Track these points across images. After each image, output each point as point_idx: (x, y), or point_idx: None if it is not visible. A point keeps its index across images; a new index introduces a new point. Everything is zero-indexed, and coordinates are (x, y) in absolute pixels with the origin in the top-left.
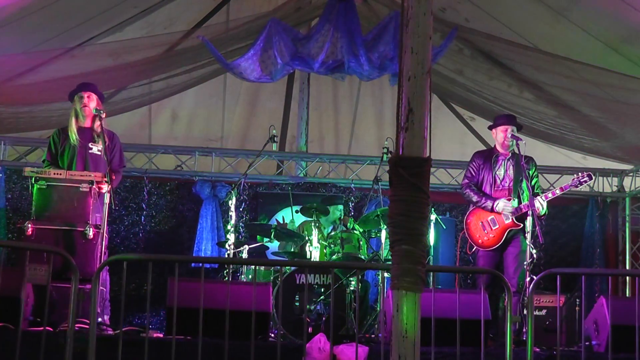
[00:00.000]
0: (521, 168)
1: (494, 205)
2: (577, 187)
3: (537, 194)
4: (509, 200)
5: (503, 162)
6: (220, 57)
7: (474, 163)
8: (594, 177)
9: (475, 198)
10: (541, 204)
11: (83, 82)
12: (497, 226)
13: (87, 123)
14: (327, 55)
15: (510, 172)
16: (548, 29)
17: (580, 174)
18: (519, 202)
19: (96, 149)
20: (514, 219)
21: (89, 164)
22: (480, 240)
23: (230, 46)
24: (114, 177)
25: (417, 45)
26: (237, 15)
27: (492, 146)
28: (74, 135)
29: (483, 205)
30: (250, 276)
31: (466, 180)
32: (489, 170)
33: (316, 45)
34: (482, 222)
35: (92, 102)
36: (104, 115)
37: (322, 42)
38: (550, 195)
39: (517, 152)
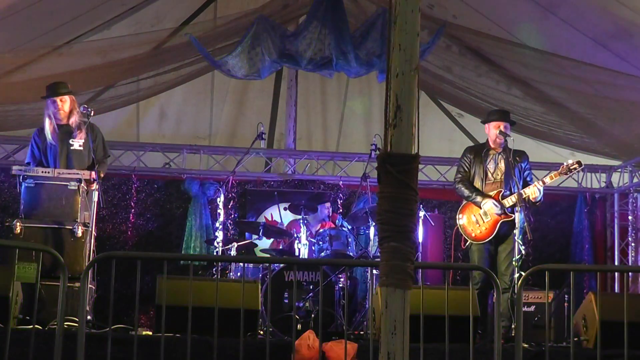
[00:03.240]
0: (512, 163)
1: (482, 204)
2: (567, 174)
3: (531, 183)
4: (499, 197)
5: (494, 156)
6: (207, 54)
7: (465, 158)
8: (583, 165)
9: (466, 193)
10: (538, 189)
11: (52, 84)
12: (489, 218)
13: (63, 120)
14: (314, 52)
15: (502, 165)
16: (536, 26)
17: (569, 161)
18: (511, 193)
19: (77, 144)
20: (506, 210)
21: (71, 160)
22: (473, 234)
23: (217, 43)
24: (102, 175)
25: (405, 42)
26: (225, 13)
27: (485, 141)
28: (49, 134)
29: (473, 200)
30: (239, 274)
31: (459, 176)
32: (480, 164)
33: (304, 42)
34: (474, 216)
35: (65, 103)
36: (92, 114)
37: (310, 39)
38: (547, 180)
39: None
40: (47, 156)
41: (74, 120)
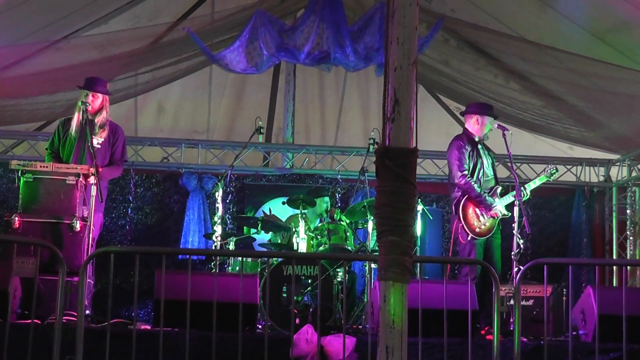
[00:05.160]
0: (493, 156)
1: (492, 206)
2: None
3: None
4: (497, 193)
5: (482, 151)
6: (205, 49)
7: (463, 150)
8: (558, 170)
9: (477, 191)
10: (525, 192)
11: (92, 78)
12: (490, 215)
13: (90, 116)
14: (312, 47)
15: (489, 159)
16: (534, 19)
17: (549, 165)
18: (504, 188)
19: (96, 142)
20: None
21: (85, 156)
22: (477, 229)
23: (215, 38)
24: (100, 170)
25: (403, 36)
26: (223, 7)
27: (465, 134)
28: (74, 126)
29: (483, 200)
30: (237, 268)
31: (465, 169)
32: (478, 158)
33: (302, 36)
34: (477, 211)
35: (96, 100)
36: (89, 108)
37: (308, 33)
38: (532, 185)
39: (505, 142)
40: (64, 147)
41: (100, 118)
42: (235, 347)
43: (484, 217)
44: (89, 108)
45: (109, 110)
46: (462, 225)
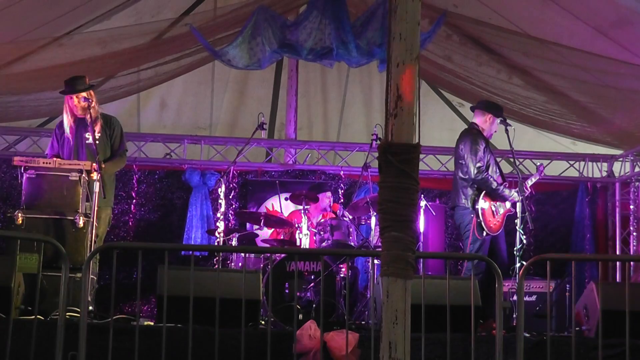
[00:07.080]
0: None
1: (510, 195)
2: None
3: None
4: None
5: (490, 148)
6: (208, 45)
7: (480, 146)
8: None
9: (495, 184)
10: (527, 188)
11: (69, 80)
12: (501, 211)
13: (81, 114)
14: (315, 42)
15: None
16: (537, 14)
17: (540, 163)
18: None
19: (92, 138)
20: (510, 205)
21: (85, 153)
22: (491, 225)
23: (218, 34)
24: (104, 166)
25: (405, 31)
26: (225, 3)
27: (476, 129)
28: (67, 127)
29: (502, 193)
30: (240, 264)
31: (481, 164)
32: (490, 155)
33: (304, 32)
34: (491, 208)
35: (80, 100)
36: (92, 104)
37: (310, 29)
38: (533, 179)
39: (507, 138)
40: (63, 149)
41: (91, 114)
42: (238, 343)
43: (497, 214)
44: (84, 104)
45: (97, 104)
46: (480, 222)
